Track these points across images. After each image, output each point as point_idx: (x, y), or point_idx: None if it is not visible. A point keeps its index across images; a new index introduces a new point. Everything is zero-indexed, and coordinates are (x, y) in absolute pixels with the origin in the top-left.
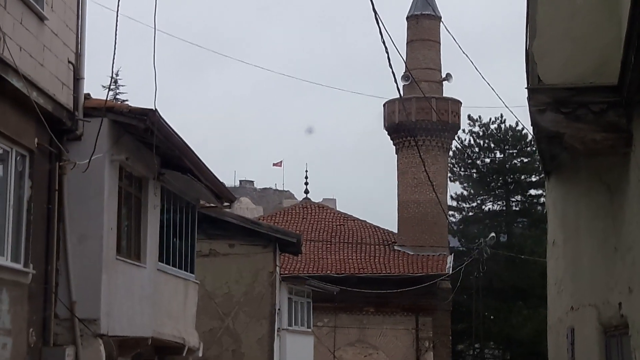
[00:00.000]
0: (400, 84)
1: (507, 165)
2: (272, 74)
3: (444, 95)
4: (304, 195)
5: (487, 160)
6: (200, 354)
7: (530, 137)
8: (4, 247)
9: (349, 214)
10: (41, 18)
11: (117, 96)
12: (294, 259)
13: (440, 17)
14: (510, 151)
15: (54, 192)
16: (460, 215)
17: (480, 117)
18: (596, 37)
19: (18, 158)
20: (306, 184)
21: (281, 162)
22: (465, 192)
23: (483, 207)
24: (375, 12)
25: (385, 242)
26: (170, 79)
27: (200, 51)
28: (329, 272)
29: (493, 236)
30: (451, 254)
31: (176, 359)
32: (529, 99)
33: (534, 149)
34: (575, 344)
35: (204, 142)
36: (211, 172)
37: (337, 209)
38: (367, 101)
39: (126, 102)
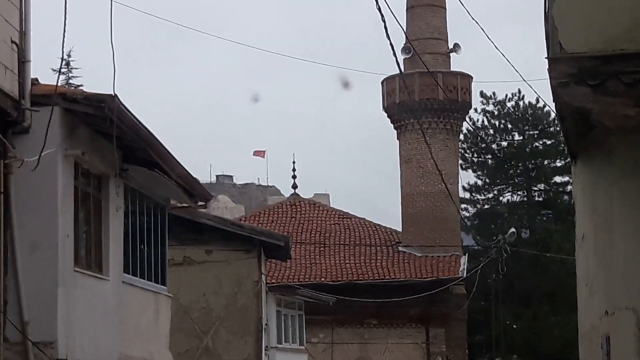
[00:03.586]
0: (400, 57)
1: (527, 149)
2: (251, 52)
3: (452, 69)
4: (292, 191)
5: (504, 143)
6: None
7: (553, 115)
8: None
9: (345, 211)
10: None
11: (70, 81)
12: (282, 265)
13: None
14: (531, 132)
15: None
16: (475, 209)
17: (494, 93)
18: None
19: None
20: (294, 177)
21: (264, 152)
22: (479, 182)
23: (501, 198)
24: None
25: (388, 242)
26: (133, 60)
27: (168, 28)
28: (323, 279)
29: (513, 232)
30: (465, 254)
31: None
32: (549, 70)
33: (558, 128)
34: (612, 353)
35: (173, 132)
36: (182, 167)
37: (331, 205)
38: (363, 80)
39: (81, 88)
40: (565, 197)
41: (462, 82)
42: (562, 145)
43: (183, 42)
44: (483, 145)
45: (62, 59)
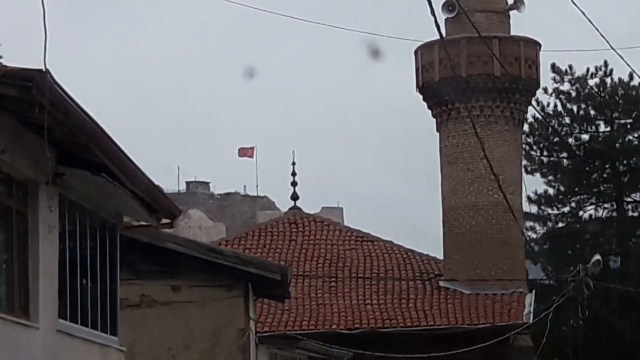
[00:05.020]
0: (441, 17)
1: (617, 145)
2: (241, 13)
3: (512, 33)
4: (291, 203)
5: (585, 136)
6: None
7: None
8: None
9: (364, 231)
10: None
11: None
12: (278, 307)
13: None
14: (622, 121)
15: None
16: (545, 228)
17: (571, 67)
18: None
19: None
20: (294, 184)
21: (252, 149)
22: (551, 191)
23: (581, 213)
24: None
25: (425, 275)
26: (74, 20)
27: None
28: (335, 326)
29: (598, 260)
30: (531, 292)
31: None
32: None
33: None
34: None
35: (127, 122)
36: (140, 171)
37: (346, 223)
38: (391, 49)
39: None
40: None
41: (526, 52)
42: None
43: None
44: (556, 139)
45: None
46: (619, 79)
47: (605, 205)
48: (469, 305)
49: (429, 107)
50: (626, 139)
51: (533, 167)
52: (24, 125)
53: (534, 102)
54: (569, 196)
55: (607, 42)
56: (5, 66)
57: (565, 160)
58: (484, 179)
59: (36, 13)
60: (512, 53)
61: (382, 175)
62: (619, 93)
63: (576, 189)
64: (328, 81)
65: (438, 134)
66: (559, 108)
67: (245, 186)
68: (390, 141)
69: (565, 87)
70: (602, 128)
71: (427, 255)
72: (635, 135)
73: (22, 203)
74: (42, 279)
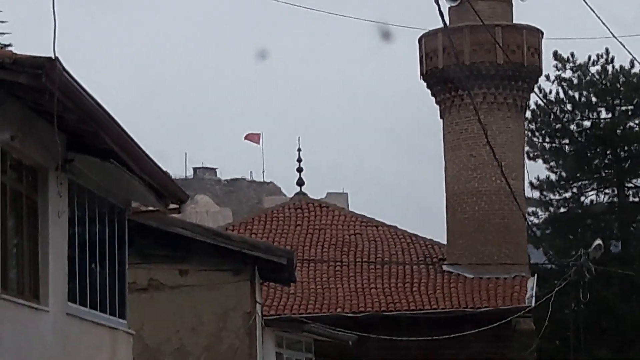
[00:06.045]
0: (445, 6)
1: (618, 131)
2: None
3: (515, 22)
4: (297, 189)
5: (587, 123)
6: None
7: None
8: None
9: (369, 216)
10: None
11: None
12: (284, 290)
13: None
14: (623, 108)
15: None
16: (547, 213)
17: (572, 55)
18: None
19: None
20: (299, 170)
21: (259, 135)
22: (553, 176)
23: (582, 198)
24: None
25: (429, 259)
26: (83, 8)
27: None
28: (340, 310)
29: (599, 245)
30: (534, 276)
31: None
32: None
33: None
34: None
35: (135, 107)
36: (149, 157)
37: (350, 209)
38: (396, 34)
39: (10, 49)
40: None
41: (529, 40)
42: None
43: None
44: (558, 125)
45: None
46: (620, 67)
47: (607, 190)
48: (472, 289)
49: (432, 94)
50: (627, 126)
51: (535, 153)
52: (34, 112)
53: (536, 89)
54: (571, 182)
55: (609, 29)
56: (16, 54)
57: (567, 147)
58: (487, 165)
59: (47, 1)
60: (515, 41)
61: (386, 161)
62: (620, 80)
63: (578, 175)
64: (334, 68)
65: (441, 120)
66: (561, 95)
67: (251, 172)
68: (395, 127)
69: (567, 74)
70: (603, 115)
71: (430, 239)
72: (636, 121)
73: (32, 188)
74: (52, 263)
